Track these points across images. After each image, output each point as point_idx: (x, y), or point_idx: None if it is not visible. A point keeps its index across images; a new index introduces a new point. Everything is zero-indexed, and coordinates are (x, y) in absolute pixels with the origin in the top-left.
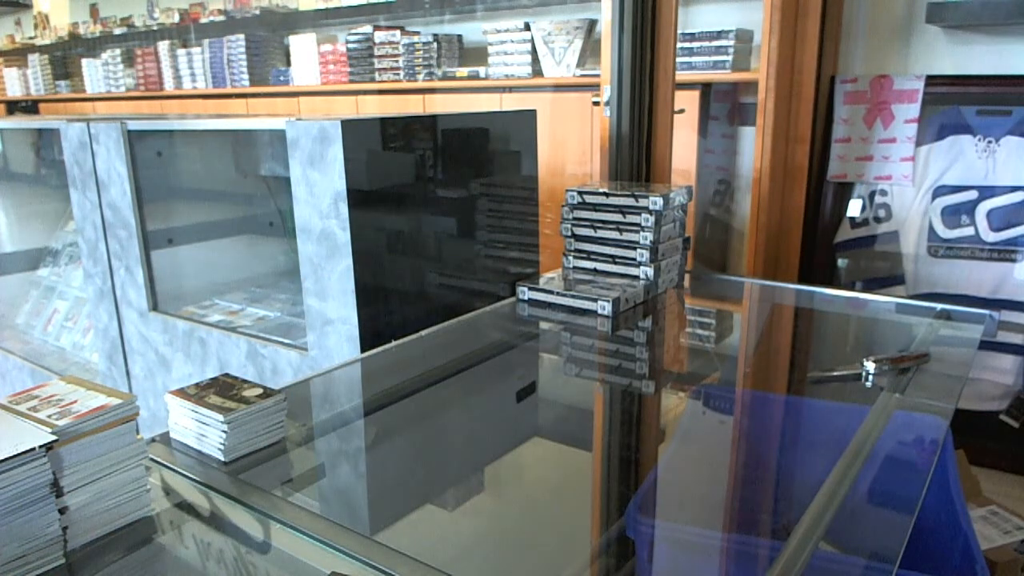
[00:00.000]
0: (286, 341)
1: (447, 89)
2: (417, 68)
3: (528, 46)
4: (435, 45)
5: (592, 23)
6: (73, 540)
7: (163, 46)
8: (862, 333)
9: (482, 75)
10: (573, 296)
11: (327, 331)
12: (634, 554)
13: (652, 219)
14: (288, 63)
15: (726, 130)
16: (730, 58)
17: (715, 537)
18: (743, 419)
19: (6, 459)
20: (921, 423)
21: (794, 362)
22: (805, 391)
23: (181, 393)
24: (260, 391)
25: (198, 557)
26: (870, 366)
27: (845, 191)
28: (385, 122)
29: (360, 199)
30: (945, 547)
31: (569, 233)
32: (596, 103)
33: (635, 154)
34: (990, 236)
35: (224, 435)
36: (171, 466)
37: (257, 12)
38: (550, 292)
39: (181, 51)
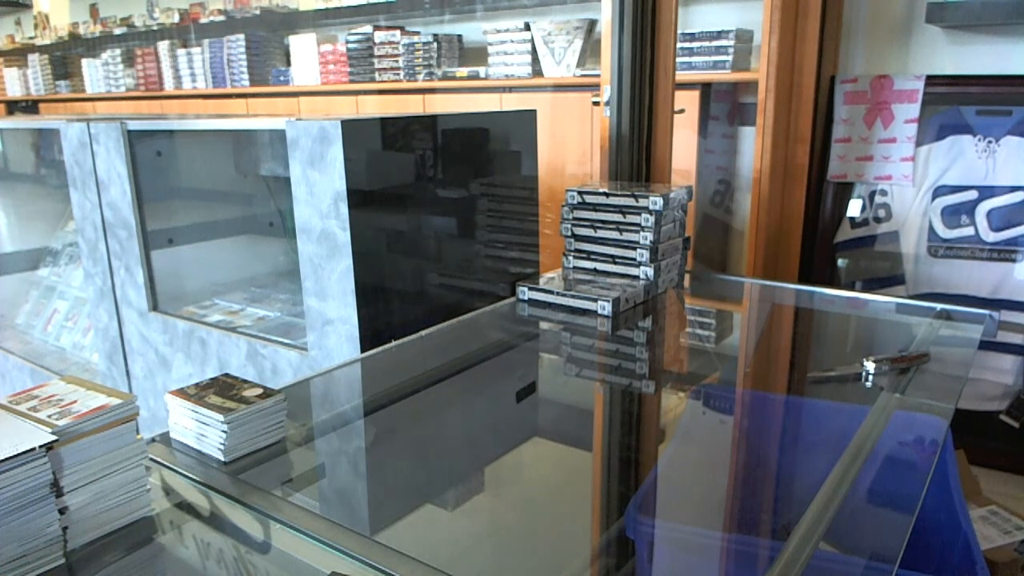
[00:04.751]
0: (286, 341)
1: (447, 89)
2: (417, 68)
3: (528, 46)
4: (435, 45)
5: (592, 23)
6: (73, 540)
7: (163, 46)
8: (862, 333)
9: (482, 75)
10: (573, 296)
11: (327, 331)
12: (634, 554)
13: (652, 219)
14: (288, 63)
15: (726, 130)
16: (730, 58)
17: (715, 537)
18: (743, 419)
19: (6, 459)
20: (921, 423)
21: (794, 362)
22: (805, 391)
23: (181, 393)
24: (260, 391)
25: (198, 557)
26: (870, 366)
27: (845, 191)
28: (385, 122)
29: (360, 199)
30: (945, 547)
31: (569, 233)
32: (596, 103)
33: (635, 154)
34: (990, 236)
35: (224, 435)
36: (171, 466)
37: (257, 12)
38: (550, 292)
39: (181, 51)
